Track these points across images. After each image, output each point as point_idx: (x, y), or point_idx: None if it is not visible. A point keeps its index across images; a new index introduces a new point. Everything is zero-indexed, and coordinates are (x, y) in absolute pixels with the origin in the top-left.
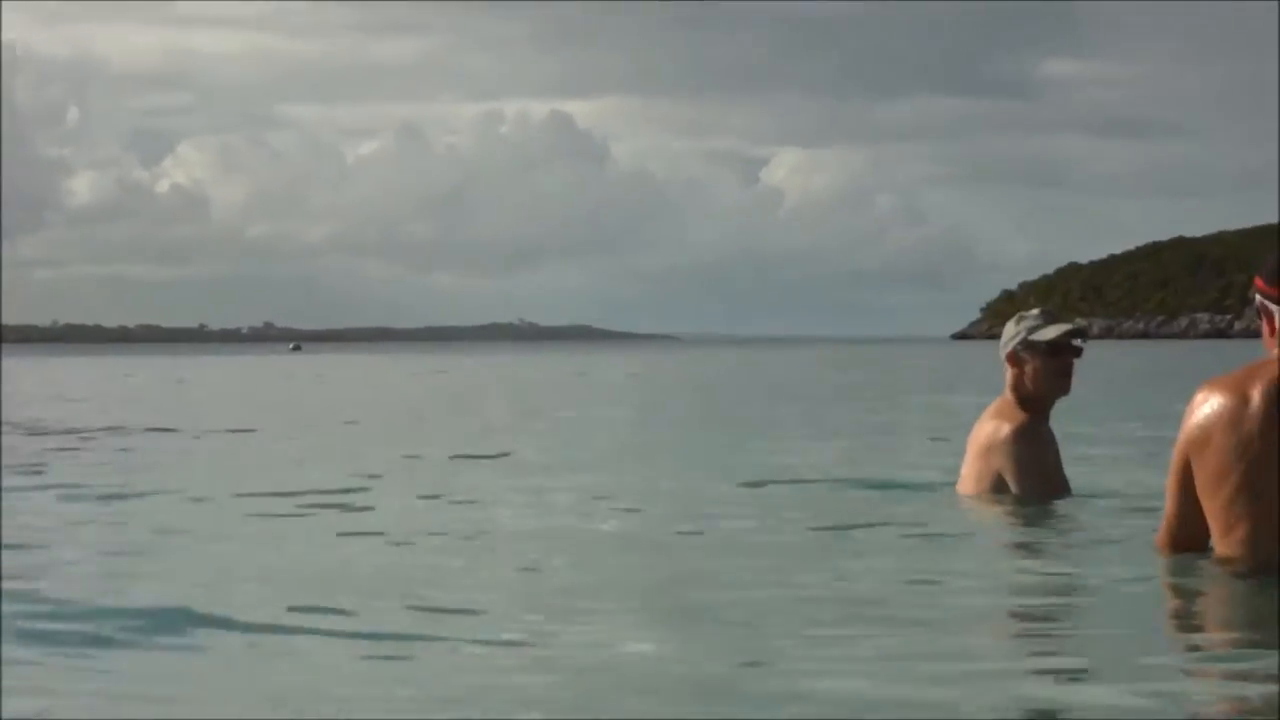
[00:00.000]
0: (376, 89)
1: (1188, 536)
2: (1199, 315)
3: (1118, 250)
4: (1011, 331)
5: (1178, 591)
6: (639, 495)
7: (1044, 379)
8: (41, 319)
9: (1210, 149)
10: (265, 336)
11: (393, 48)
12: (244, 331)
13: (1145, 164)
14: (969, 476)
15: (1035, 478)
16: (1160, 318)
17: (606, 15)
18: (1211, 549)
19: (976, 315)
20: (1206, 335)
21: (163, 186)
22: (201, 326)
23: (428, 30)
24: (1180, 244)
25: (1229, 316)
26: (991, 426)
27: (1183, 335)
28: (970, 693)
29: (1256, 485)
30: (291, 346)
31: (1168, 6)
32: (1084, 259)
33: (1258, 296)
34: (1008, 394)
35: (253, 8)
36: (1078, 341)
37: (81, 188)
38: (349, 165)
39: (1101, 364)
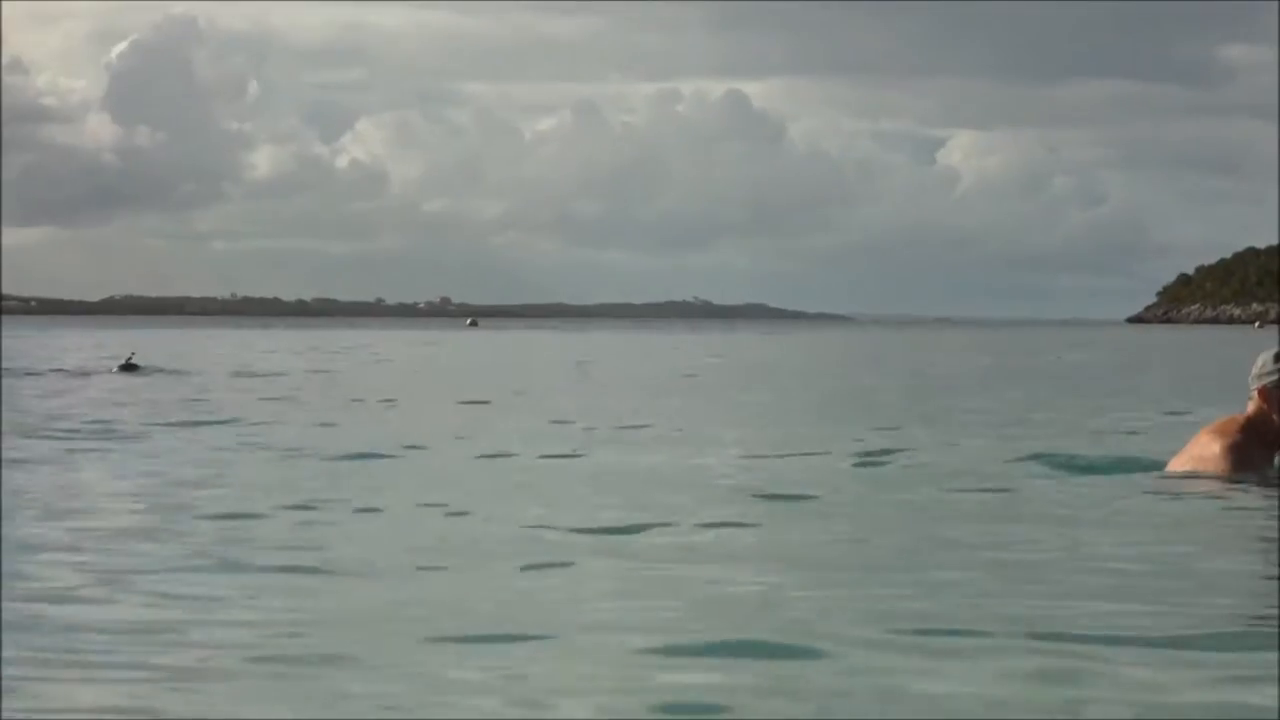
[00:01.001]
0: (553, 67)
1: None
2: None
3: None
4: (1270, 367)
5: None
6: (851, 465)
7: None
8: (220, 291)
9: None
10: (442, 312)
11: (569, 25)
12: (421, 306)
13: None
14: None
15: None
16: None
17: None
18: None
19: (1152, 299)
20: None
21: (342, 161)
22: (379, 300)
23: (603, 9)
24: None
25: None
26: (1205, 440)
27: None
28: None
29: None
30: (469, 322)
31: None
32: (1261, 244)
33: None
34: (1239, 417)
35: None
36: None
37: (261, 161)
38: (526, 142)
39: None
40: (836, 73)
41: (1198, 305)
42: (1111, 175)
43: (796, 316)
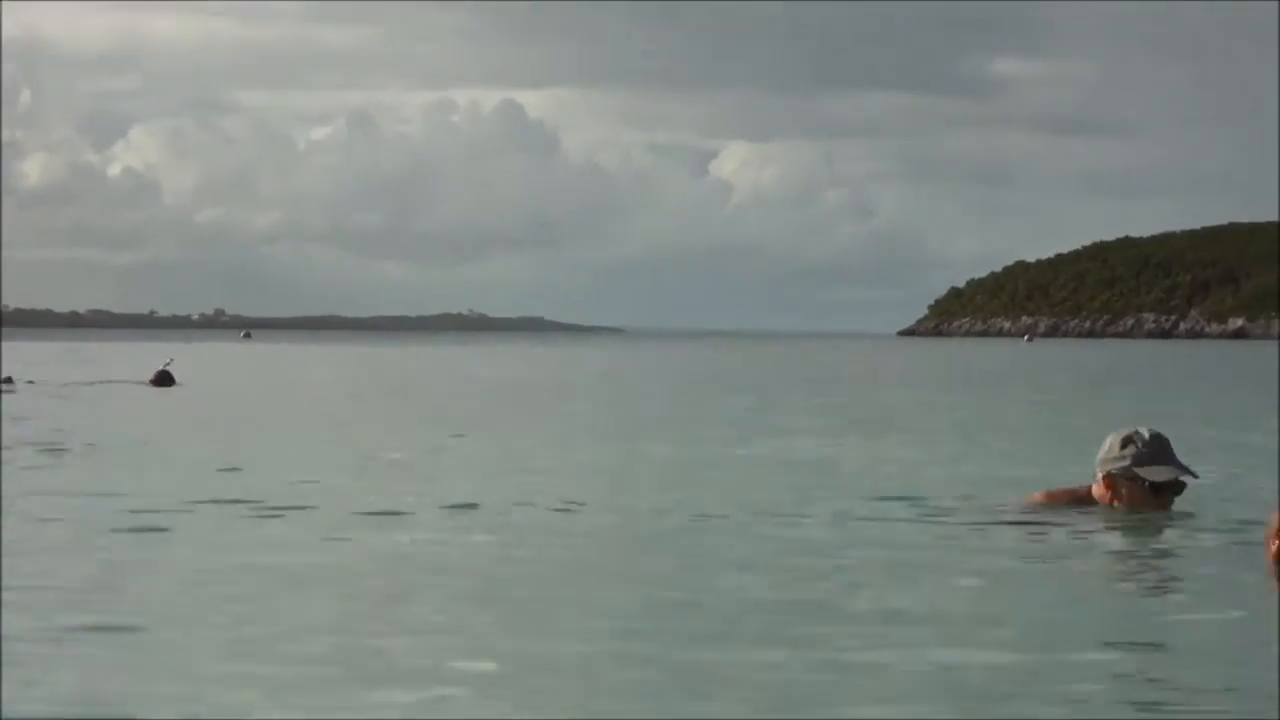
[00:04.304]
0: (327, 76)
1: None
2: (1144, 315)
3: (1065, 249)
4: (1115, 453)
5: None
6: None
7: (1137, 510)
8: None
9: (1157, 150)
10: (215, 323)
11: (343, 34)
12: (195, 318)
13: (1093, 164)
14: None
15: None
16: (1106, 317)
17: (554, 6)
18: None
19: (923, 312)
20: (1151, 335)
21: (114, 170)
22: (151, 313)
23: (378, 17)
24: (1126, 244)
25: (1173, 317)
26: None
27: (1128, 334)
28: None
29: None
30: (243, 334)
31: (1119, 7)
32: (1031, 258)
33: None
34: (1080, 491)
35: None
36: (1184, 478)
37: (33, 170)
38: (300, 151)
39: (1068, 363)
40: (610, 83)
41: (968, 319)
42: (884, 188)
43: (573, 329)
